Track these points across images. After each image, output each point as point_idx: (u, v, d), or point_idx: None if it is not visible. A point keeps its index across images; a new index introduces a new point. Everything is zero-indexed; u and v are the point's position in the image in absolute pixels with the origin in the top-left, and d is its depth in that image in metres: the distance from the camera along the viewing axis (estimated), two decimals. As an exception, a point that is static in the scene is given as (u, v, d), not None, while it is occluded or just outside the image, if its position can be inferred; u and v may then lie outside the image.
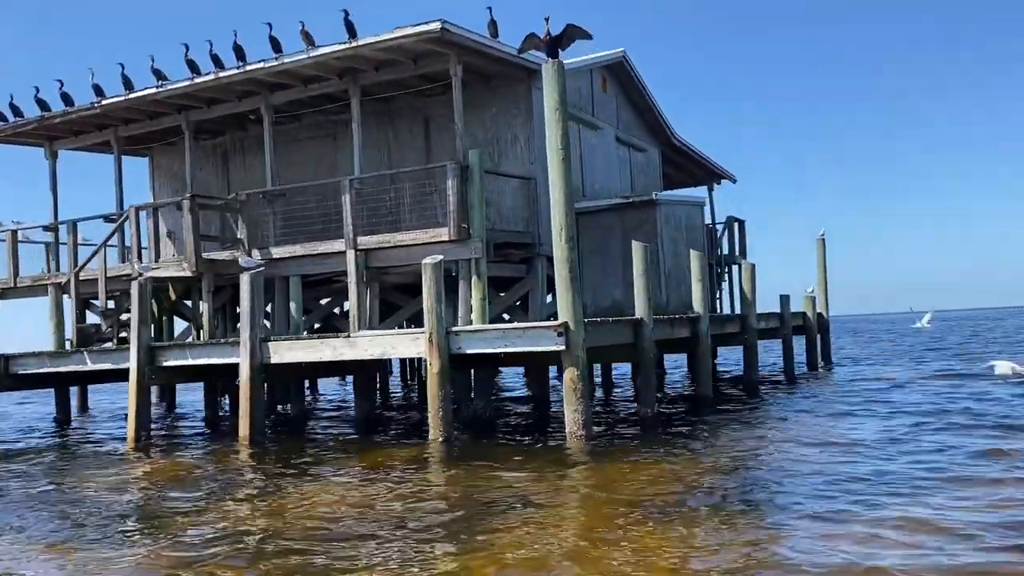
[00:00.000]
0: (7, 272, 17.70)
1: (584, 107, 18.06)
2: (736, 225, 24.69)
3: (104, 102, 15.72)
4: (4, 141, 17.70)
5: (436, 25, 12.83)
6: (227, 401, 17.20)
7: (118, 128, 17.25)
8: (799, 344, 21.66)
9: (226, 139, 19.12)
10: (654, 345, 12.30)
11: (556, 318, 10.35)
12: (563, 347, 10.02)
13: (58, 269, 17.81)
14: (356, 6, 13.62)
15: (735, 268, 23.45)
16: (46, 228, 17.71)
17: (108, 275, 15.38)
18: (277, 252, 15.11)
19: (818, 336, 22.70)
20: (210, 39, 14.47)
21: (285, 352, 11.75)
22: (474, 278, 13.47)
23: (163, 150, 20.04)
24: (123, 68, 15.46)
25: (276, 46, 14.06)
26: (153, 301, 16.58)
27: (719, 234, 23.21)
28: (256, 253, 15.25)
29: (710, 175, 26.30)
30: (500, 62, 14.77)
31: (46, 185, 18.13)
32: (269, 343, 11.88)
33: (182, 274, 14.67)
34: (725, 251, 23.53)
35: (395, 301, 17.76)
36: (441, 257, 10.94)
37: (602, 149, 18.74)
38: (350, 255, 14.27)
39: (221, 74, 14.56)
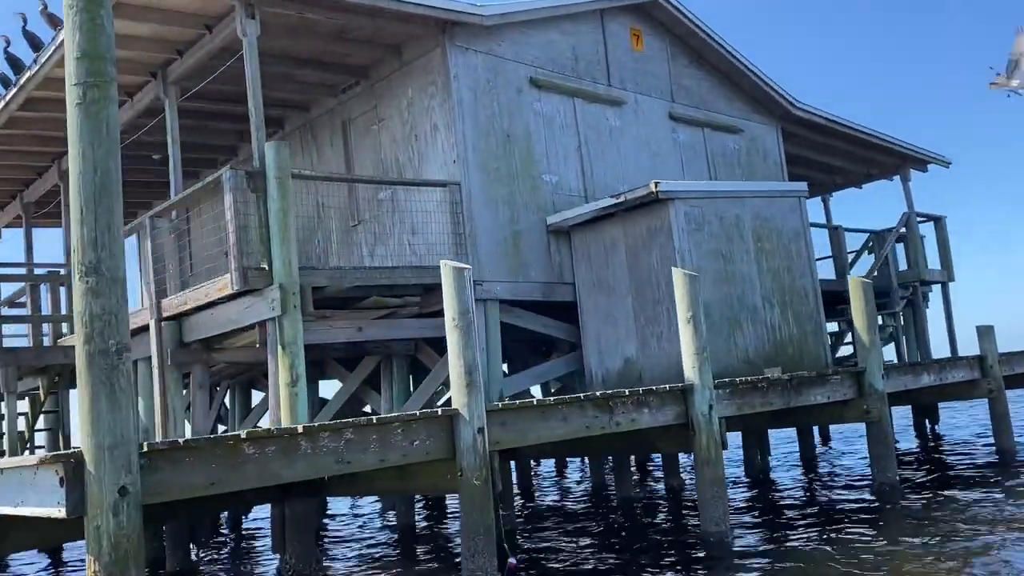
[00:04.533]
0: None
1: (589, 72, 12.09)
2: (934, 225, 16.68)
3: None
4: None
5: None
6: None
7: (23, 193, 14.23)
8: None
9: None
10: (487, 460, 6.19)
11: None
12: (64, 511, 4.48)
13: None
14: None
15: (921, 293, 15.62)
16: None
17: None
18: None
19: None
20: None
21: None
22: (279, 350, 8.17)
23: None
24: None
25: (34, 44, 10.01)
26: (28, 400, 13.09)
27: (888, 242, 15.47)
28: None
29: (903, 159, 18.41)
30: (368, 13, 9.46)
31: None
32: None
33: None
34: (902, 267, 15.73)
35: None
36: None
37: (634, 133, 12.53)
38: (152, 327, 9.62)
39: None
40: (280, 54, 10.63)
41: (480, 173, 10.44)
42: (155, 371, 9.50)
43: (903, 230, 15.57)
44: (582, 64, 12.05)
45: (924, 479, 11.63)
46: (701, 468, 7.86)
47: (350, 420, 5.78)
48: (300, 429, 5.40)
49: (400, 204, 10.88)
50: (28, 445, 12.50)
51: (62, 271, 12.38)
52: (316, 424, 5.65)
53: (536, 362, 13.13)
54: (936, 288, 16.92)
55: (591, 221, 10.87)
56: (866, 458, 14.63)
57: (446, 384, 11.15)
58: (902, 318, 16.10)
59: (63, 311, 12.37)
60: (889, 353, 16.46)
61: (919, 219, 16.67)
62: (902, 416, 18.15)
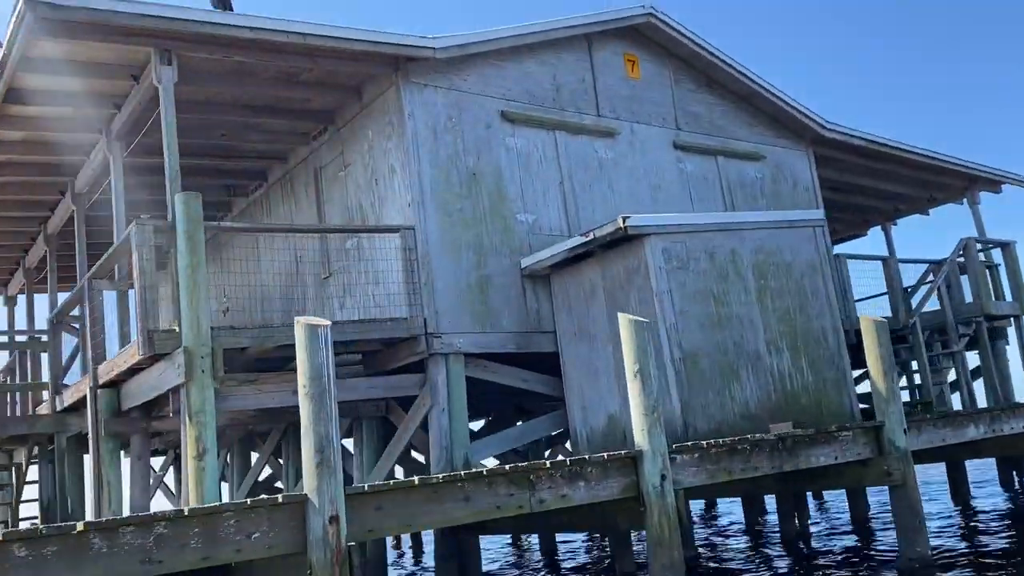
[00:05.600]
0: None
1: (573, 103, 11.16)
2: (1002, 252, 14.85)
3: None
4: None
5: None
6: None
7: (24, 259, 14.16)
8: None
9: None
10: (344, 556, 5.19)
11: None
12: None
13: None
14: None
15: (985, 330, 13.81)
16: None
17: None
18: (68, 397, 10.43)
19: None
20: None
21: None
22: (186, 420, 7.42)
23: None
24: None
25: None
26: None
27: (942, 273, 13.74)
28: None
29: (970, 181, 16.67)
30: (303, 53, 8.79)
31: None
32: None
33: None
34: (966, 299, 13.96)
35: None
36: None
37: (629, 165, 11.47)
38: (88, 395, 9.05)
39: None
40: (231, 102, 10.12)
41: (440, 215, 9.57)
42: (91, 442, 8.92)
43: (960, 258, 13.82)
44: (565, 95, 11.11)
45: (979, 549, 9.92)
46: (654, 549, 6.63)
47: (161, 512, 4.91)
48: (81, 526, 4.56)
49: (364, 253, 10.13)
50: (14, 518, 12.14)
51: (43, 337, 12.09)
52: (117, 518, 4.81)
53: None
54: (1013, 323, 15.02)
55: (569, 263, 9.84)
56: (936, 515, 12.83)
57: (411, 447, 10.32)
58: (970, 359, 14.27)
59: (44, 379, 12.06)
60: (958, 401, 14.60)
61: (985, 245, 14.89)
62: (981, 467, 16.14)
